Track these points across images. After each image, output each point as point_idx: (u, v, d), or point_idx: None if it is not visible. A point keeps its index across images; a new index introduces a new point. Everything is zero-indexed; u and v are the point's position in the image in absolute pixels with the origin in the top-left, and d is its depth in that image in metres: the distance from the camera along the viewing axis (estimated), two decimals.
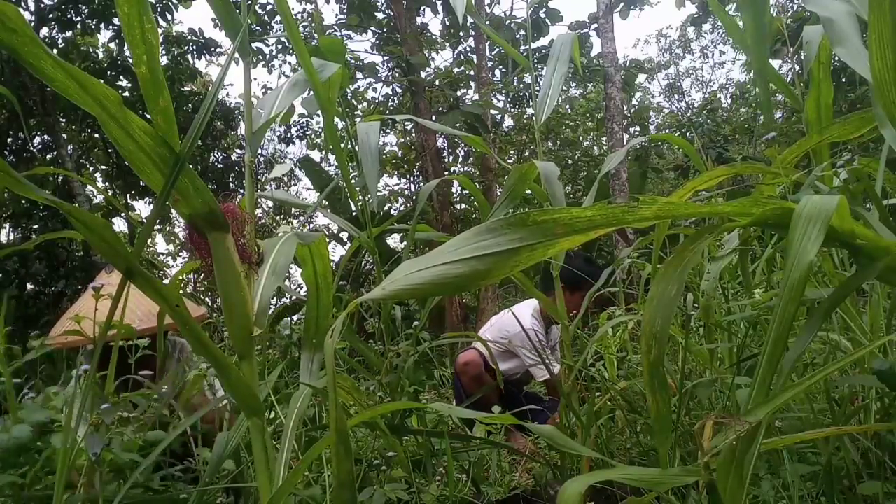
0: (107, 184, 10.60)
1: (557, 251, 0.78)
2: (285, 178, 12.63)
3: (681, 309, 1.99)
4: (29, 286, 8.67)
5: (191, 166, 0.99)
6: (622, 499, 1.40)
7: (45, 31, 8.33)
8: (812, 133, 1.43)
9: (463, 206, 10.88)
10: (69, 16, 8.17)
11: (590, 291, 2.03)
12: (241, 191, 10.06)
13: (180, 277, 1.80)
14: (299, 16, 10.68)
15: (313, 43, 1.49)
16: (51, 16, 8.17)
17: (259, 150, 1.46)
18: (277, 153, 13.99)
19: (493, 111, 9.96)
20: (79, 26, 8.30)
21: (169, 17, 8.71)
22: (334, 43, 1.53)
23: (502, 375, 2.49)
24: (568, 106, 13.86)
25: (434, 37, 11.04)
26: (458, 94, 9.86)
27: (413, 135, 10.80)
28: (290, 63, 11.05)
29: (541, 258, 0.78)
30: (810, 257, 0.70)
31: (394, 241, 9.35)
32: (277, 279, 1.15)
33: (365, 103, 11.19)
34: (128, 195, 10.30)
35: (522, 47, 9.76)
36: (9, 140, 8.70)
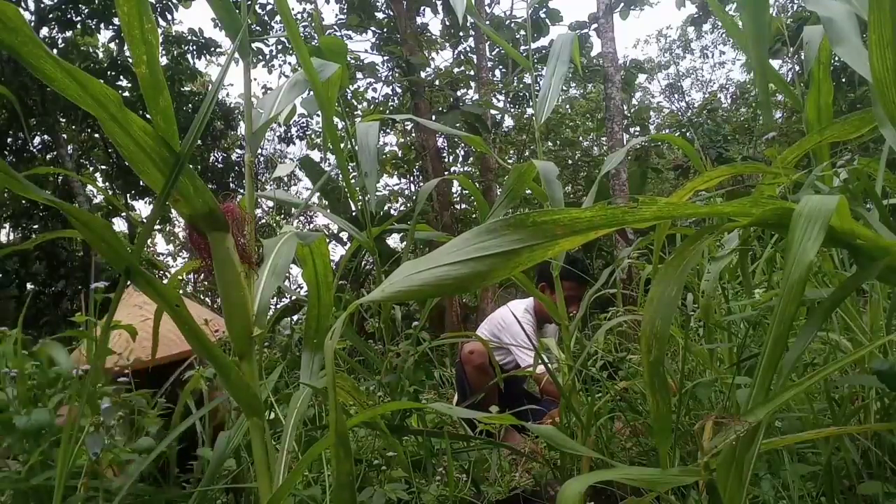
0: (107, 184, 10.60)
1: (557, 252, 0.78)
2: (285, 178, 12.63)
3: (681, 309, 1.99)
4: (29, 286, 8.67)
5: (191, 166, 0.99)
6: (622, 499, 1.40)
7: (45, 31, 8.33)
8: (812, 133, 1.43)
9: (463, 206, 10.88)
10: (69, 16, 8.17)
11: (590, 292, 2.03)
12: (241, 191, 10.06)
13: (180, 277, 1.80)
14: (299, 16, 10.68)
15: (313, 43, 1.49)
16: (51, 16, 8.17)
17: (259, 150, 1.46)
18: (277, 153, 13.99)
19: (493, 111, 9.96)
20: (79, 26, 8.30)
21: (169, 17, 8.71)
22: (336, 43, 1.53)
23: (501, 370, 2.52)
24: (568, 106, 13.85)
25: (434, 37, 11.04)
26: (458, 94, 9.86)
27: (413, 135, 10.80)
28: (290, 63, 11.05)
29: (541, 259, 0.78)
30: (810, 257, 0.70)
31: (394, 241, 9.36)
32: (277, 279, 1.15)
33: (365, 103, 11.19)
34: (128, 195, 10.30)
35: (522, 47, 9.77)
36: (9, 140, 8.70)
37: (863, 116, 1.28)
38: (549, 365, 1.95)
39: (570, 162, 11.79)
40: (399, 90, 10.86)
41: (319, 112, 1.44)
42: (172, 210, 1.10)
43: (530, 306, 3.18)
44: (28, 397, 1.24)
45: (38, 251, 8.42)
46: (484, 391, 2.56)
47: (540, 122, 2.06)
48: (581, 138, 12.94)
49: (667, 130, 14.69)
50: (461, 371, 2.96)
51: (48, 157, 9.16)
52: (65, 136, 9.14)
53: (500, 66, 11.11)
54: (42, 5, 8.11)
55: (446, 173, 9.31)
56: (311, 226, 13.44)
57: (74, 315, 1.52)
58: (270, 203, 10.74)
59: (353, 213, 8.02)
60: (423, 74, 9.52)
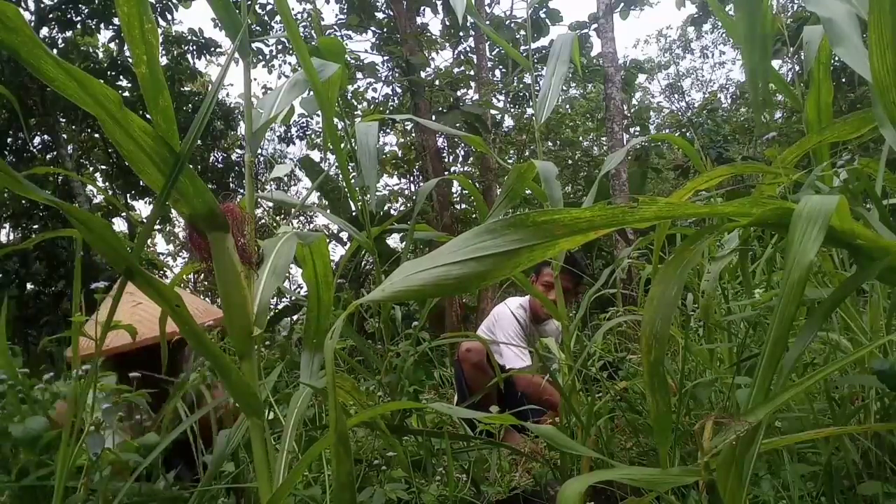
0: (107, 184, 10.60)
1: (557, 252, 0.78)
2: (285, 178, 12.62)
3: (681, 309, 1.99)
4: (29, 286, 8.67)
5: (191, 166, 0.99)
6: (622, 499, 1.40)
7: (45, 31, 8.33)
8: (812, 133, 1.43)
9: (463, 206, 10.88)
10: (69, 16, 8.18)
11: (589, 291, 2.03)
12: (241, 191, 10.06)
13: (182, 277, 1.79)
14: (299, 16, 10.68)
15: (313, 43, 1.48)
16: (51, 16, 8.17)
17: (259, 150, 1.46)
18: (277, 153, 13.99)
19: (493, 111, 9.96)
20: (79, 26, 8.30)
21: (169, 17, 8.72)
22: (334, 43, 1.53)
23: (500, 369, 2.52)
24: (568, 106, 13.86)
25: (434, 37, 11.03)
26: (458, 94, 9.85)
27: (413, 135, 10.80)
28: (290, 63, 11.06)
29: (541, 259, 0.78)
30: (810, 257, 0.70)
31: (394, 241, 9.35)
32: (277, 279, 1.15)
33: (365, 103, 11.19)
34: (128, 195, 10.30)
35: (522, 47, 9.77)
36: (9, 140, 8.70)
37: (863, 116, 1.28)
38: (548, 365, 1.95)
39: (570, 162, 11.79)
40: (399, 90, 10.86)
41: (319, 112, 1.44)
42: (172, 210, 1.10)
43: (526, 302, 3.20)
44: (16, 402, 1.24)
45: (38, 251, 8.41)
46: (484, 390, 2.56)
47: (540, 122, 2.06)
48: (581, 138, 12.94)
49: (667, 130, 14.69)
50: (459, 370, 2.97)
51: (48, 157, 9.17)
52: (65, 136, 9.14)
53: (500, 66, 11.12)
54: (42, 5, 8.11)
55: (446, 173, 9.30)
56: (311, 226, 13.45)
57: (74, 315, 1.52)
58: (270, 203, 10.74)
59: (353, 213, 8.03)
60: (423, 74, 9.52)
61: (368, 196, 1.92)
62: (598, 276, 2.10)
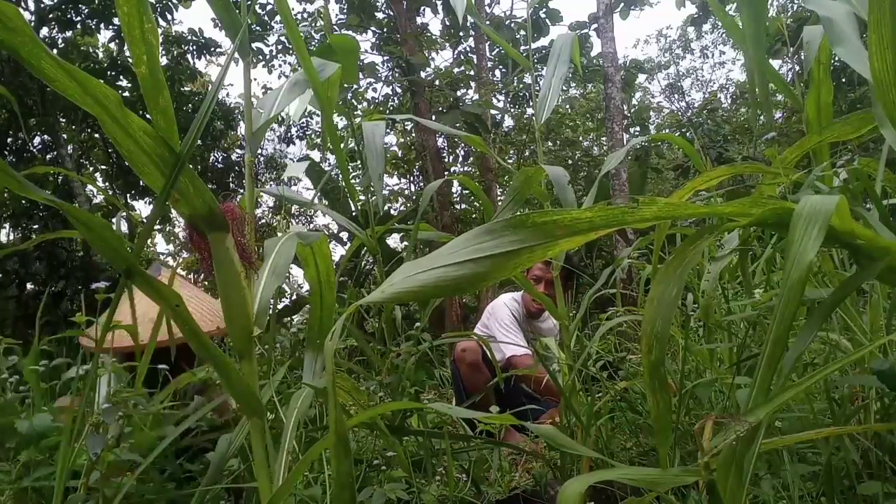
0: (107, 184, 10.60)
1: (557, 252, 0.78)
2: (285, 179, 12.59)
3: (681, 309, 1.99)
4: (29, 286, 8.66)
5: (191, 166, 0.99)
6: (622, 499, 1.40)
7: (45, 31, 8.32)
8: (812, 133, 1.43)
9: (463, 206, 10.89)
10: (69, 16, 8.17)
11: (590, 291, 2.03)
12: (241, 191, 10.06)
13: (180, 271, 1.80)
14: (299, 16, 10.69)
15: (313, 43, 1.48)
16: (51, 16, 8.17)
17: (259, 150, 1.46)
18: (277, 153, 13.98)
19: (493, 111, 9.96)
20: (79, 26, 8.30)
21: (169, 17, 8.71)
22: (346, 40, 1.52)
23: (496, 365, 2.53)
24: (568, 106, 13.85)
25: (434, 37, 11.03)
26: (458, 94, 9.86)
27: (413, 135, 10.80)
28: (290, 63, 11.06)
29: (541, 259, 0.78)
30: (810, 257, 0.70)
31: (393, 241, 9.36)
32: (277, 279, 1.15)
33: (365, 103, 11.20)
34: (128, 195, 10.29)
35: (522, 47, 9.77)
36: (9, 140, 8.69)
37: (863, 116, 1.28)
38: (547, 365, 1.95)
39: (570, 162, 11.78)
40: (399, 90, 10.87)
41: (319, 112, 1.44)
42: (172, 210, 1.10)
43: (519, 296, 3.24)
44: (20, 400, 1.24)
45: (38, 251, 8.40)
46: (481, 390, 2.56)
47: (540, 122, 2.06)
48: (581, 138, 12.94)
49: (667, 130, 14.69)
50: (455, 370, 2.97)
51: (48, 157, 9.15)
52: (65, 136, 9.14)
53: (500, 66, 11.12)
54: (42, 5, 8.10)
55: (446, 173, 9.31)
56: (311, 226, 13.45)
57: (74, 315, 1.52)
58: (270, 203, 10.75)
59: (353, 214, 8.02)
60: (423, 74, 9.52)
61: (374, 197, 1.92)
62: (598, 276, 2.10)
